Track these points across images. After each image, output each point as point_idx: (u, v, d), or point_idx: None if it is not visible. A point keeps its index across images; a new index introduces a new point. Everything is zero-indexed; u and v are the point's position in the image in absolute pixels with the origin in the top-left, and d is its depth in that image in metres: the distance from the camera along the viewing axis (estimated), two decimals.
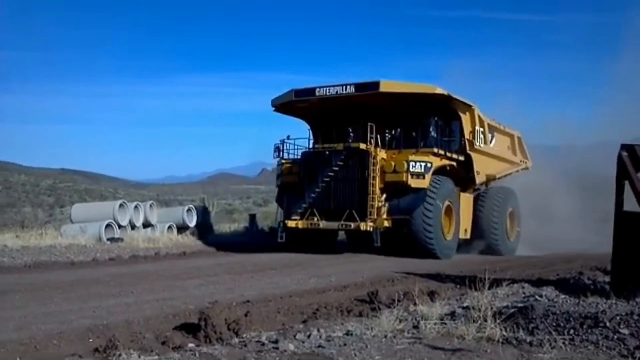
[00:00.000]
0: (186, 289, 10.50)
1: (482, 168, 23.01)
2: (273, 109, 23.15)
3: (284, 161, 22.22)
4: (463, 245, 23.61)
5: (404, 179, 19.77)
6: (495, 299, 7.56)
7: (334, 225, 20.19)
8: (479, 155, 22.77)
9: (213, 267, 14.72)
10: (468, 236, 23.09)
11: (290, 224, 20.75)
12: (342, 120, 21.18)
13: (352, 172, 20.32)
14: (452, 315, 6.69)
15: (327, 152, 20.62)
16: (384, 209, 20.02)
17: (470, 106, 21.90)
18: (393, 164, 20.00)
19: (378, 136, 20.38)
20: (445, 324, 6.17)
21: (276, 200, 22.59)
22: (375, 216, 19.82)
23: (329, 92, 20.78)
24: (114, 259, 16.25)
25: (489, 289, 7.13)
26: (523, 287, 9.78)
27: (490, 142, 24.28)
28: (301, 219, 20.84)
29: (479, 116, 22.56)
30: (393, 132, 21.08)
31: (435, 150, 20.47)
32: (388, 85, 19.94)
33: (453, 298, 8.61)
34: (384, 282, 11.93)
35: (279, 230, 20.92)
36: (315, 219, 20.69)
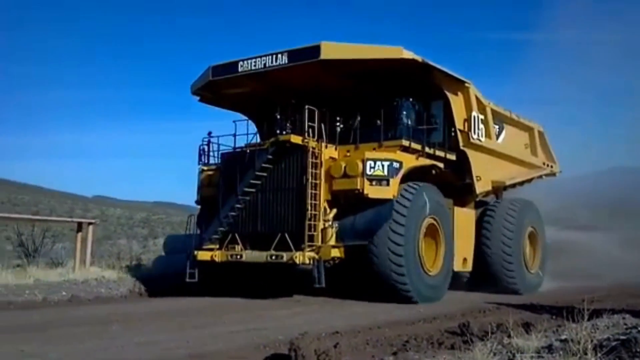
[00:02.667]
0: (276, 319, 10.87)
1: (484, 171, 16.36)
2: (197, 98, 17.01)
3: (204, 168, 15.95)
4: (460, 281, 17.10)
5: (358, 186, 13.32)
6: (595, 330, 7.22)
7: (260, 256, 13.78)
8: (478, 153, 16.17)
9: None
10: (468, 268, 16.46)
11: (203, 255, 14.42)
12: (285, 107, 14.85)
13: (285, 179, 13.96)
14: (550, 348, 6.43)
15: (248, 152, 14.30)
16: (332, 232, 13.53)
17: (462, 83, 15.37)
18: (343, 165, 13.55)
19: (324, 126, 13.94)
20: (543, 357, 6.10)
21: (197, 223, 16.14)
22: (319, 242, 13.37)
23: (255, 65, 14.54)
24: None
25: (587, 320, 7.03)
26: (624, 318, 9.10)
27: (498, 136, 17.61)
28: (220, 248, 14.52)
29: (477, 98, 15.99)
30: (351, 121, 14.59)
31: (407, 143, 13.95)
32: (332, 50, 13.59)
33: (549, 330, 7.95)
34: (475, 313, 11.60)
35: (188, 265, 14.56)
36: (237, 247, 14.34)
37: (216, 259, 14.36)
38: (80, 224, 17.80)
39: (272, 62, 14.27)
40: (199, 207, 16.16)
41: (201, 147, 15.83)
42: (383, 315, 11.25)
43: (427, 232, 14.18)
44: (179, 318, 10.93)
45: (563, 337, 7.13)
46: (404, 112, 14.48)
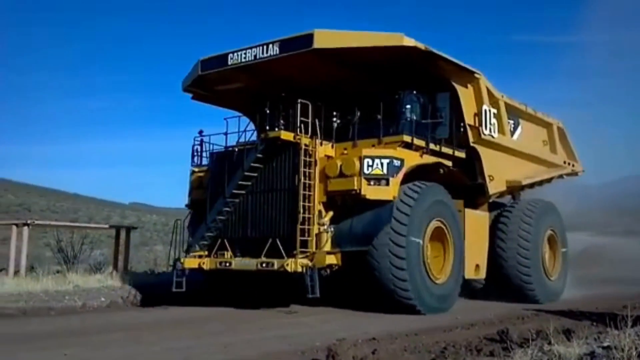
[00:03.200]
0: (311, 325, 10.84)
1: (497, 170, 15.06)
2: (191, 95, 15.98)
3: (195, 169, 14.90)
4: (473, 290, 15.88)
5: (355, 186, 12.14)
6: (639, 338, 6.83)
7: (250, 264, 12.66)
8: (490, 150, 14.89)
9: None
10: (482, 275, 15.15)
11: (190, 263, 13.35)
12: (276, 101, 13.73)
13: (276, 179, 12.84)
14: (592, 355, 6.34)
15: (236, 151, 13.22)
16: (327, 237, 12.37)
17: (471, 74, 14.09)
18: (339, 163, 12.38)
19: (318, 122, 12.79)
20: None
21: (187, 228, 15.03)
22: (313, 248, 12.21)
23: (245, 57, 13.46)
24: None
25: (631, 326, 6.88)
26: None
27: (513, 132, 16.29)
28: (209, 255, 13.45)
29: (489, 90, 14.71)
30: (349, 116, 13.40)
31: (408, 139, 12.74)
32: (326, 38, 12.44)
33: (591, 337, 7.75)
34: (513, 319, 11.34)
35: (174, 273, 13.49)
36: (227, 254, 13.26)
37: (204, 267, 13.28)
38: (118, 231, 18.03)
39: (262, 53, 13.17)
40: (190, 211, 15.08)
41: (194, 147, 14.78)
42: (418, 322, 11.04)
43: (433, 236, 12.97)
44: (207, 325, 11.17)
45: (605, 344, 7.14)
46: (407, 106, 13.26)
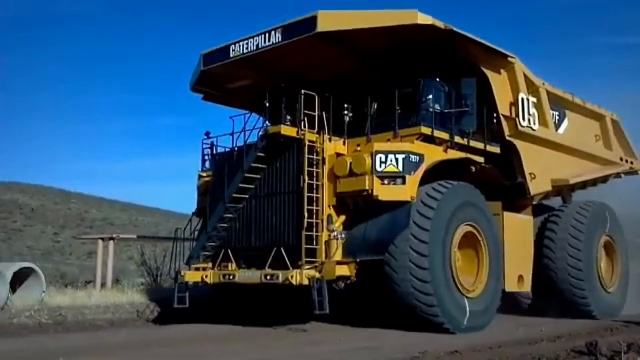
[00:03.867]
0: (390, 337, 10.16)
1: (540, 168, 13.23)
2: (201, 96, 14.83)
3: (202, 174, 13.66)
4: (518, 304, 14.08)
5: (367, 185, 10.59)
6: None
7: (254, 276, 11.26)
8: (530, 144, 13.10)
9: None
10: (526, 287, 13.33)
11: (192, 276, 12.06)
12: (283, 95, 12.34)
13: (281, 181, 11.44)
14: None
15: (236, 150, 11.91)
16: (338, 244, 10.86)
17: (504, 58, 12.36)
18: (348, 161, 10.87)
19: (325, 116, 11.31)
20: None
21: (195, 238, 13.69)
22: (322, 258, 10.72)
23: (247, 47, 12.17)
24: None
25: None
26: None
27: (558, 125, 14.39)
28: (213, 267, 12.14)
29: (527, 76, 12.95)
30: (365, 109, 11.87)
31: (427, 130, 11.11)
32: (331, 19, 11.02)
33: None
34: (601, 331, 10.99)
35: (175, 288, 12.22)
36: (231, 266, 11.92)
37: (207, 280, 11.98)
38: None
39: (265, 42, 11.85)
40: (199, 219, 13.81)
41: (203, 151, 13.55)
42: (501, 334, 10.50)
43: (462, 243, 11.28)
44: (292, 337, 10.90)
45: None
46: (427, 95, 11.64)
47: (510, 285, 12.67)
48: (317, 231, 10.84)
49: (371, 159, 10.56)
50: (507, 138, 12.49)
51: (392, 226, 10.52)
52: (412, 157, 10.58)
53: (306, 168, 10.76)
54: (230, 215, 11.84)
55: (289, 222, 11.07)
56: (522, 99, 12.55)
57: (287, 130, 10.96)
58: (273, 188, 11.43)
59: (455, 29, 10.96)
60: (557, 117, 14.22)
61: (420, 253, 10.32)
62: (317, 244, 10.84)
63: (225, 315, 12.63)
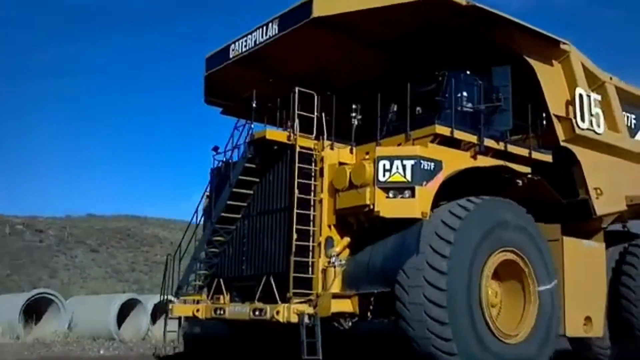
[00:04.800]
0: None
1: (609, 182, 10.64)
2: (221, 111, 13.32)
3: (208, 194, 12.02)
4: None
5: (367, 200, 8.52)
6: None
7: (243, 311, 9.40)
8: (595, 152, 10.55)
9: None
10: (596, 332, 10.67)
11: (181, 310, 10.42)
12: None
13: (272, 197, 9.57)
14: None
15: (222, 165, 10.23)
16: (336, 273, 8.81)
17: (556, 45, 9.99)
18: (348, 170, 8.86)
19: (325, 118, 9.40)
20: None
21: None
22: (319, 289, 8.72)
23: (246, 44, 10.57)
24: None
25: None
26: None
27: (636, 130, 11.67)
28: (208, 298, 10.44)
29: (587, 69, 10.48)
30: (382, 111, 9.80)
31: (444, 130, 8.88)
32: (328, 2, 9.16)
33: None
34: None
35: (165, 322, 10.58)
36: (222, 298, 10.14)
37: (199, 315, 10.23)
38: None
39: (262, 37, 10.20)
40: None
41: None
42: None
43: (501, 273, 8.94)
44: None
45: None
46: (453, 90, 9.44)
47: (573, 329, 10.09)
48: (312, 257, 8.86)
49: (374, 167, 8.50)
50: (562, 144, 10.03)
51: (399, 251, 8.38)
52: (425, 163, 8.42)
53: (296, 179, 8.85)
54: (220, 239, 10.09)
55: (280, 245, 9.17)
56: (581, 96, 10.09)
57: (275, 135, 9.15)
58: (265, 205, 9.61)
59: (481, 5, 8.80)
60: (633, 121, 11.52)
61: (437, 287, 8.09)
62: (312, 273, 8.85)
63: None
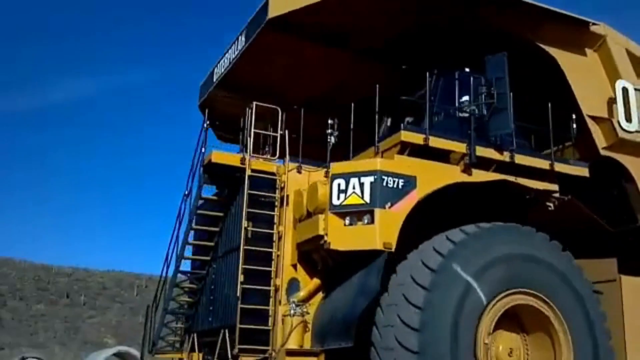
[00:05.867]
0: None
1: None
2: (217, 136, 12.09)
3: None
4: None
5: (320, 229, 6.77)
6: None
7: None
8: None
9: None
10: None
11: None
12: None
13: (233, 233, 8.05)
14: None
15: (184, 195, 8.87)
16: (294, 323, 7.07)
17: (585, 27, 7.85)
18: (305, 195, 7.21)
19: (289, 135, 7.88)
20: None
21: None
22: (278, 343, 7.04)
23: (224, 65, 9.40)
24: None
25: None
26: None
27: None
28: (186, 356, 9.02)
29: (631, 54, 8.14)
30: (349, 124, 8.01)
31: (413, 137, 6.93)
32: (282, 2, 7.75)
33: None
34: None
35: None
36: (194, 356, 8.67)
37: None
38: None
39: (234, 53, 8.95)
40: None
41: None
42: None
43: (523, 322, 6.79)
44: None
45: None
46: (439, 89, 7.58)
47: None
48: (266, 303, 7.20)
49: (326, 188, 6.79)
50: (603, 152, 7.72)
51: (360, 296, 6.50)
52: (390, 180, 6.57)
53: (245, 210, 7.33)
54: (192, 286, 8.69)
55: (234, 290, 7.58)
56: (625, 90, 7.78)
57: (223, 157, 7.70)
58: (229, 244, 8.11)
59: None
60: None
61: (409, 349, 6.11)
62: (269, 324, 7.18)
63: None
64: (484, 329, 6.47)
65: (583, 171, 7.65)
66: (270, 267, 7.33)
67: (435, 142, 6.85)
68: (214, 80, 9.78)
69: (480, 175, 7.04)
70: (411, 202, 6.60)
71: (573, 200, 7.43)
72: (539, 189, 7.36)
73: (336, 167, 6.85)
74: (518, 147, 7.49)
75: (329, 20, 7.86)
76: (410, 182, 6.65)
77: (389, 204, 6.51)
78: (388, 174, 6.58)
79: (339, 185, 6.71)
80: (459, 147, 6.95)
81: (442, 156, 7.02)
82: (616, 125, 7.64)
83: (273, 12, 7.71)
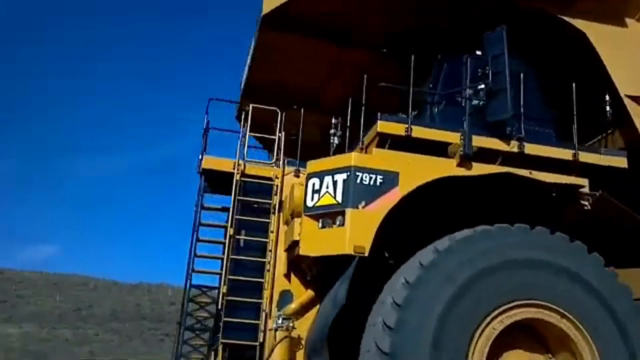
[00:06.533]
0: None
1: None
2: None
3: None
4: None
5: (296, 234, 6.22)
6: None
7: None
8: None
9: None
10: None
11: None
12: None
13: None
14: None
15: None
16: (278, 337, 6.50)
17: None
18: (289, 199, 6.68)
19: (284, 137, 7.40)
20: None
21: None
22: None
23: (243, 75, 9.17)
24: None
25: None
26: None
27: None
28: None
29: None
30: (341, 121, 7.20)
31: (391, 128, 6.12)
32: None
33: None
34: None
35: None
36: None
37: None
38: None
39: (246, 67, 8.71)
40: None
41: None
42: None
43: (547, 342, 5.77)
44: None
45: None
46: (445, 77, 6.73)
47: None
48: (256, 317, 6.70)
49: (303, 190, 6.20)
50: None
51: (332, 307, 5.81)
52: (365, 176, 5.84)
53: (231, 216, 6.92)
54: (206, 300, 8.36)
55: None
56: None
57: (215, 163, 7.33)
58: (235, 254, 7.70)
59: None
60: None
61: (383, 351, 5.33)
62: (259, 339, 6.67)
63: None
64: (480, 347, 5.47)
65: (619, 161, 6.41)
66: (262, 277, 6.83)
67: (421, 132, 6.02)
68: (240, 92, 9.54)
69: (480, 169, 6.08)
70: (391, 201, 5.80)
71: (605, 196, 6.21)
72: (561, 184, 6.23)
73: (312, 165, 6.24)
74: (539, 137, 6.45)
75: (325, 11, 7.33)
76: (390, 179, 5.87)
77: (362, 203, 5.77)
78: (363, 170, 5.85)
79: (313, 185, 6.09)
80: (451, 137, 6.05)
81: (437, 149, 6.16)
82: None
83: (267, 8, 7.33)
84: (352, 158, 5.92)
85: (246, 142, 7.36)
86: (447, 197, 6.28)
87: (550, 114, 6.78)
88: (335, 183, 5.92)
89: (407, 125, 5.99)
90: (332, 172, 5.98)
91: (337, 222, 5.83)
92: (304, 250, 5.95)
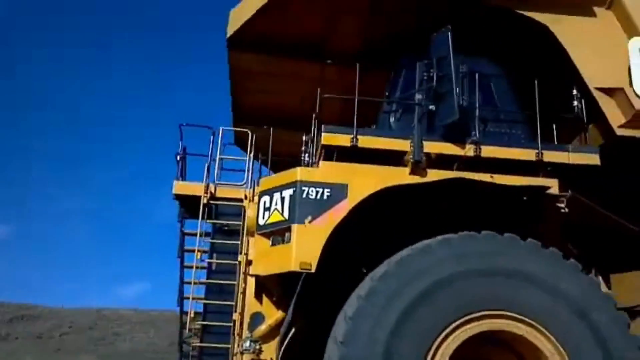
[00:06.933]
0: None
1: None
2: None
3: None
4: None
5: (250, 254, 6.16)
6: None
7: None
8: None
9: None
10: None
11: None
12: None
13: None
14: None
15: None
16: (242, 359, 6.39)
17: None
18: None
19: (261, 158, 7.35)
20: None
21: None
22: None
23: None
24: None
25: None
26: None
27: None
28: None
29: None
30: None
31: (336, 139, 5.94)
32: (235, 20, 7.38)
33: None
34: None
35: None
36: None
37: None
38: None
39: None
40: None
41: None
42: None
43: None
44: None
45: None
46: (399, 86, 6.51)
47: None
48: (227, 341, 6.61)
49: (256, 205, 6.12)
50: (619, 132, 6.01)
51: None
52: (311, 190, 5.69)
53: (198, 239, 6.89)
54: (198, 326, 8.33)
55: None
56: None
57: (185, 188, 7.32)
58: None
59: None
60: None
61: None
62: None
63: None
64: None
65: (591, 159, 5.97)
66: (230, 300, 6.73)
67: (368, 141, 5.81)
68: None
69: (434, 175, 5.80)
70: (339, 214, 5.61)
71: (574, 195, 5.80)
72: (525, 186, 5.86)
73: (263, 183, 6.14)
74: (508, 139, 6.14)
75: (291, 27, 7.28)
76: (338, 192, 5.69)
77: (309, 219, 5.60)
78: (309, 185, 5.70)
79: (264, 202, 5.98)
80: (401, 144, 5.82)
81: (396, 158, 5.92)
82: (631, 95, 5.89)
83: (230, 30, 7.36)
84: (298, 173, 5.79)
85: (216, 164, 7.33)
86: (409, 207, 6.04)
87: (519, 114, 6.44)
88: (283, 199, 5.79)
89: (352, 136, 5.80)
90: (280, 188, 5.86)
91: (285, 239, 5.70)
92: (254, 269, 5.86)
